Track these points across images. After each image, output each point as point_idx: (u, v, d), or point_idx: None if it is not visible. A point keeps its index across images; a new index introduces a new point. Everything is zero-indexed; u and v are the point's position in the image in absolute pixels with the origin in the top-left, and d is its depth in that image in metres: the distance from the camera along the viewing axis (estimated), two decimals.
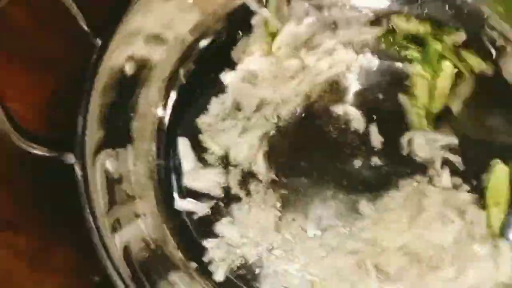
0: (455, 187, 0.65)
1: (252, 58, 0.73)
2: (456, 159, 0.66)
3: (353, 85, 0.72)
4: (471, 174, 0.66)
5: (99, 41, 0.61)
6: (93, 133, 0.59)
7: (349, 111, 0.70)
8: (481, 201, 0.65)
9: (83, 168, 0.56)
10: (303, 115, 0.71)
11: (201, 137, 0.72)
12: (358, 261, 0.64)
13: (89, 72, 0.60)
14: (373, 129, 0.69)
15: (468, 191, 0.65)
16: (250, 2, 0.73)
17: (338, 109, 0.71)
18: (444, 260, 0.62)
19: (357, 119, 0.70)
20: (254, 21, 0.74)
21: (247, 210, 0.68)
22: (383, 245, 0.63)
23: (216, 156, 0.71)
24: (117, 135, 0.66)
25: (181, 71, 0.75)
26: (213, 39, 0.76)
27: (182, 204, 0.71)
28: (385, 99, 0.71)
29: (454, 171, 0.66)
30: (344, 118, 0.70)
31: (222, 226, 0.69)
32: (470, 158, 0.66)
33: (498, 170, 0.65)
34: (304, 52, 0.72)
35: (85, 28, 0.62)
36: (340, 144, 0.69)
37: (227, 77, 0.73)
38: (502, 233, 0.63)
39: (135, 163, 0.69)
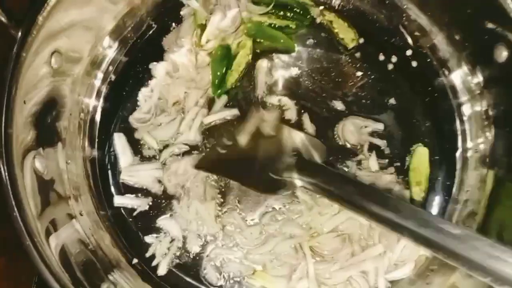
0: (382, 169, 0.70)
1: (181, 51, 0.73)
2: (382, 143, 0.71)
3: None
4: (396, 156, 0.71)
5: (19, 33, 0.58)
6: (18, 132, 0.56)
7: (282, 101, 0.73)
8: (405, 181, 0.70)
9: (10, 168, 0.53)
10: (238, 107, 0.72)
11: (137, 133, 0.71)
12: (295, 245, 0.67)
13: (9, 67, 0.57)
14: (306, 118, 0.72)
15: (393, 173, 0.70)
16: None
17: (272, 100, 0.73)
18: (373, 238, 0.67)
19: (290, 109, 0.72)
20: (183, 12, 0.74)
21: (187, 203, 0.69)
22: (317, 229, 0.67)
23: (154, 150, 0.71)
24: (46, 133, 0.64)
25: (111, 64, 0.74)
26: (143, 30, 0.75)
27: (121, 200, 0.70)
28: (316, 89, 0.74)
29: (381, 155, 0.71)
30: (278, 108, 0.72)
31: (163, 221, 0.69)
32: (395, 142, 0.72)
33: (419, 152, 0.71)
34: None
35: (3, 19, 0.58)
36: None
37: (156, 68, 0.73)
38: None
39: (67, 162, 0.67)
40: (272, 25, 0.75)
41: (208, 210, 0.68)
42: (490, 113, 0.67)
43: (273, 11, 0.74)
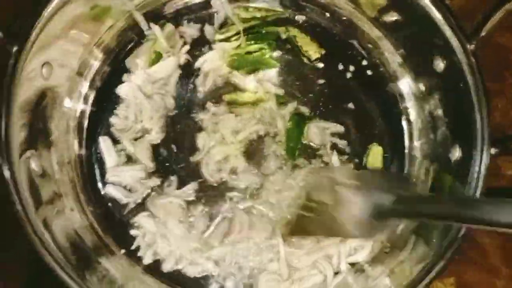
0: (342, 165, 0.78)
1: (138, 73, 0.78)
2: (342, 143, 0.80)
3: None
4: (355, 154, 0.80)
5: (15, 48, 0.63)
6: (15, 136, 0.62)
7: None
8: None
9: (11, 168, 0.59)
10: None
11: (118, 138, 0.77)
12: (270, 234, 0.75)
13: (6, 78, 0.62)
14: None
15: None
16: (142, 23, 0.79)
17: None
18: None
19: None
20: (147, 32, 0.80)
21: (163, 203, 0.75)
22: (287, 219, 0.75)
23: None
24: (40, 137, 0.69)
25: (97, 73, 0.80)
26: (127, 41, 0.80)
27: (111, 189, 0.75)
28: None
29: (341, 153, 0.79)
30: None
31: (142, 218, 0.75)
32: (353, 142, 0.80)
33: (374, 150, 0.80)
34: None
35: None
36: None
37: (121, 90, 0.78)
38: None
39: (58, 163, 0.72)
40: (248, 52, 0.81)
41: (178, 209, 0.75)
42: (432, 116, 0.76)
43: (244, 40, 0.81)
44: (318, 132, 0.80)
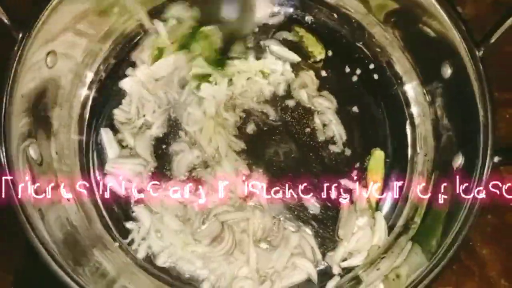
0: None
1: (142, 67, 0.78)
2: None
3: None
4: (356, 158, 0.78)
5: (20, 35, 0.63)
6: (15, 123, 0.62)
7: None
8: (364, 181, 0.78)
9: (7, 154, 0.59)
10: None
11: (119, 130, 0.78)
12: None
13: (10, 64, 0.62)
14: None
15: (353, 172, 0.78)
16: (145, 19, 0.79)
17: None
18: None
19: None
20: (148, 28, 0.80)
21: (161, 197, 0.74)
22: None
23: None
24: (40, 125, 0.69)
25: (102, 64, 0.79)
26: (134, 34, 0.81)
27: (107, 180, 0.75)
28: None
29: (343, 156, 0.78)
30: None
31: (138, 211, 0.74)
32: (356, 146, 0.79)
33: (376, 155, 0.79)
34: None
35: (5, 21, 0.63)
36: None
37: (124, 84, 0.79)
38: (378, 207, 0.77)
39: (57, 152, 0.72)
40: None
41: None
42: (437, 122, 0.75)
43: None
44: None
